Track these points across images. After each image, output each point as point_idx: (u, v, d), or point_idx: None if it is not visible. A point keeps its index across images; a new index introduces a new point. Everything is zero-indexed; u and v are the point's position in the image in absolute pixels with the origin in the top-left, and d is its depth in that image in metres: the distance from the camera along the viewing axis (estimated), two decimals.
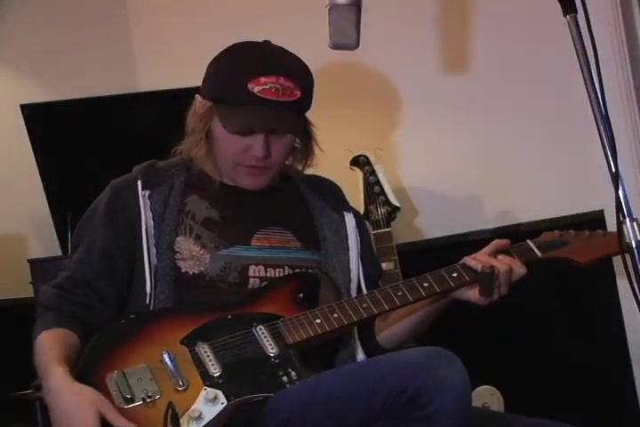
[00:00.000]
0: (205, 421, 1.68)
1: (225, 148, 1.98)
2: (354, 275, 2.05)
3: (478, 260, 1.89)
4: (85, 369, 1.75)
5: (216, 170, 2.05)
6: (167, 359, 1.75)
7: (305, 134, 2.04)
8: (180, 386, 1.72)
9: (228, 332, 1.81)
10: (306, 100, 1.99)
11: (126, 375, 1.72)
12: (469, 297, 1.91)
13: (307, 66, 2.01)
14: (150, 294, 1.89)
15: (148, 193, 1.97)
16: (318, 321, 1.83)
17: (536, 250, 1.94)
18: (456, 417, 1.57)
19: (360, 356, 1.97)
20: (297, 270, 1.99)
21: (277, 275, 1.97)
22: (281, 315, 1.85)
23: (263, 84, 1.91)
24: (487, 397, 2.77)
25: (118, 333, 1.82)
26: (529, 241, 1.96)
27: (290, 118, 1.95)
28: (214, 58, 2.02)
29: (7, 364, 2.90)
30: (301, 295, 1.91)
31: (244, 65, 1.95)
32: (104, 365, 1.74)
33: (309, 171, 2.15)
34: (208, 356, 1.76)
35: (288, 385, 1.74)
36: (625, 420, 2.88)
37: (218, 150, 2.00)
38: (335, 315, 1.84)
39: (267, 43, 2.01)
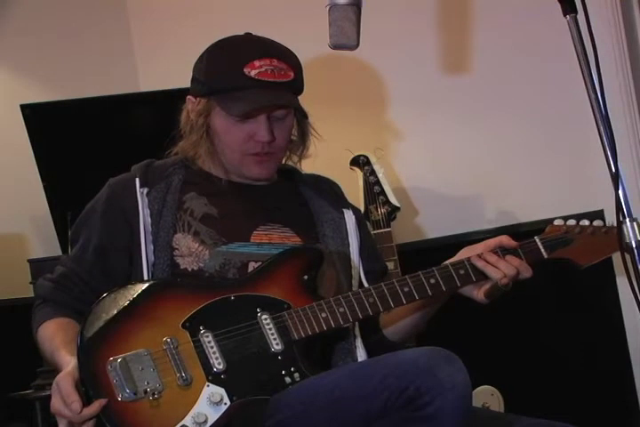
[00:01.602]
0: (209, 424, 1.69)
1: (228, 139, 1.99)
2: (355, 272, 2.05)
3: (486, 261, 1.87)
4: (84, 349, 1.72)
5: (218, 167, 2.05)
6: (169, 348, 1.74)
7: (303, 117, 2.05)
8: (184, 381, 1.72)
9: (231, 317, 1.79)
10: (299, 81, 2.02)
11: (128, 363, 1.71)
12: (473, 296, 1.90)
13: (294, 54, 2.03)
14: None
15: (145, 191, 1.98)
16: (324, 315, 1.82)
17: (543, 251, 1.92)
18: (456, 417, 1.57)
19: (359, 350, 1.97)
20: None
21: None
22: (286, 301, 1.83)
23: (258, 68, 1.93)
24: (487, 397, 2.77)
25: (116, 305, 1.77)
26: (537, 239, 1.93)
27: (289, 97, 1.97)
28: (199, 57, 2.03)
29: (7, 364, 2.90)
30: (306, 277, 1.89)
31: (234, 52, 1.98)
32: (103, 345, 1.72)
33: (309, 169, 2.16)
34: (212, 347, 1.76)
35: (290, 386, 1.75)
36: (625, 420, 2.88)
37: (221, 144, 2.00)
38: (341, 309, 1.83)
39: (248, 34, 2.04)
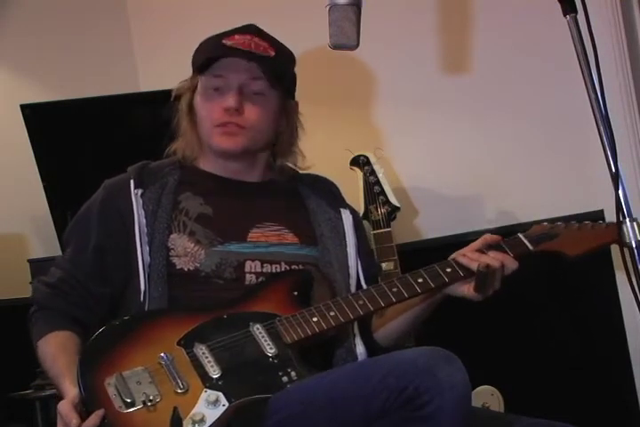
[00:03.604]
0: (207, 424, 1.67)
1: (203, 112, 2.01)
2: (352, 271, 2.06)
3: (469, 258, 1.89)
4: (83, 374, 1.73)
5: (206, 163, 2.06)
6: (165, 362, 1.74)
7: (285, 98, 2.06)
8: (180, 389, 1.71)
9: (224, 332, 1.80)
10: (280, 63, 2.01)
11: (125, 378, 1.71)
12: (464, 293, 1.91)
13: (287, 47, 2.06)
14: (144, 292, 1.90)
15: (140, 192, 1.99)
16: (315, 319, 1.83)
17: (527, 243, 1.94)
18: (456, 417, 1.57)
19: (360, 350, 1.97)
20: (293, 266, 1.99)
21: (274, 271, 1.97)
22: (277, 313, 1.84)
23: (237, 40, 1.98)
24: (487, 397, 2.76)
25: (113, 335, 1.80)
26: (520, 235, 1.96)
27: (261, 67, 1.97)
28: None
29: (7, 364, 2.90)
30: (296, 293, 1.90)
31: (222, 31, 2.02)
32: (102, 368, 1.73)
33: (307, 169, 2.16)
34: (207, 357, 1.76)
35: (288, 385, 1.74)
36: (625, 420, 2.88)
37: (199, 121, 2.03)
38: (332, 313, 1.84)
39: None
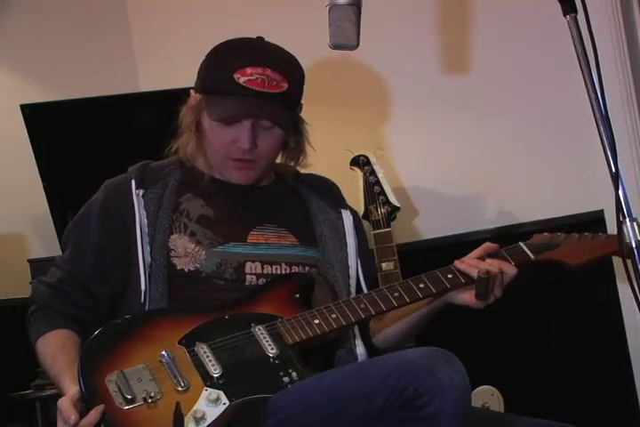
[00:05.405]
0: (208, 421, 1.68)
1: (213, 140, 2.00)
2: (352, 271, 2.06)
3: (469, 264, 1.90)
4: (84, 370, 1.74)
5: (207, 165, 2.06)
6: (166, 360, 1.74)
7: (295, 130, 2.05)
8: (181, 387, 1.72)
9: (226, 332, 1.81)
10: (293, 94, 2.00)
11: (126, 376, 1.71)
12: (465, 300, 1.91)
13: (298, 62, 2.03)
14: (145, 292, 1.90)
15: (141, 192, 1.99)
16: (317, 322, 1.83)
17: (529, 252, 1.95)
18: (456, 418, 1.57)
19: (360, 351, 1.98)
20: (294, 267, 2.00)
21: (274, 272, 1.98)
22: (278, 315, 1.85)
23: (249, 75, 1.93)
24: (487, 397, 2.76)
25: (115, 333, 1.81)
26: (521, 243, 1.97)
27: (274, 109, 1.95)
28: (208, 52, 2.04)
29: (7, 364, 2.90)
30: (297, 296, 1.91)
31: (232, 56, 1.98)
32: (103, 365, 1.74)
33: (308, 170, 2.16)
34: (207, 356, 1.76)
35: (289, 385, 1.75)
36: (625, 420, 2.88)
37: (207, 143, 2.01)
38: (333, 315, 1.84)
39: (259, 38, 2.04)
